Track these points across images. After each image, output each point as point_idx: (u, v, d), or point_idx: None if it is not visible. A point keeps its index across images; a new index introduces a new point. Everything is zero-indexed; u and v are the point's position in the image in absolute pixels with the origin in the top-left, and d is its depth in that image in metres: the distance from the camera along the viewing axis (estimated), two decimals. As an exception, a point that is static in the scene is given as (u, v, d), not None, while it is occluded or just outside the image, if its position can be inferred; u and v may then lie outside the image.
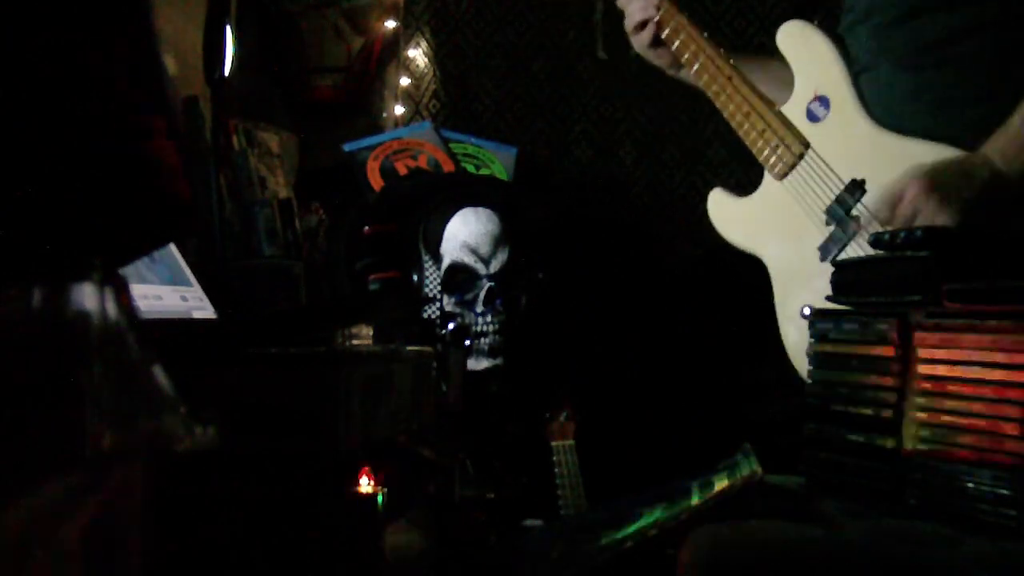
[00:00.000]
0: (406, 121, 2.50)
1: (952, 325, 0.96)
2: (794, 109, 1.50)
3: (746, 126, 1.54)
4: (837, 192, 1.42)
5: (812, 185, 1.46)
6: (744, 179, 2.16)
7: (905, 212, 1.27)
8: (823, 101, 1.47)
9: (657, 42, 1.65)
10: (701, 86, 1.60)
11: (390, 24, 2.56)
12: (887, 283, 1.06)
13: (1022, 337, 0.88)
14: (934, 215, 1.25)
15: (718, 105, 1.58)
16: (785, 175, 1.50)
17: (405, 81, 2.53)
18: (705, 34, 1.60)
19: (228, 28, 1.80)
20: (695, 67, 1.59)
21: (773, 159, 1.51)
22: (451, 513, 1.36)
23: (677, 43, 1.61)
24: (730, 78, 1.56)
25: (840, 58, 1.47)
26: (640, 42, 1.66)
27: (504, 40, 2.52)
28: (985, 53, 1.36)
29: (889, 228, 1.30)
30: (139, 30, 0.55)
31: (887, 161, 1.34)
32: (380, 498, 0.95)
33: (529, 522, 1.78)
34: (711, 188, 1.66)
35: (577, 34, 2.45)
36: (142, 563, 0.54)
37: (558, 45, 2.49)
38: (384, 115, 2.58)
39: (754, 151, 1.54)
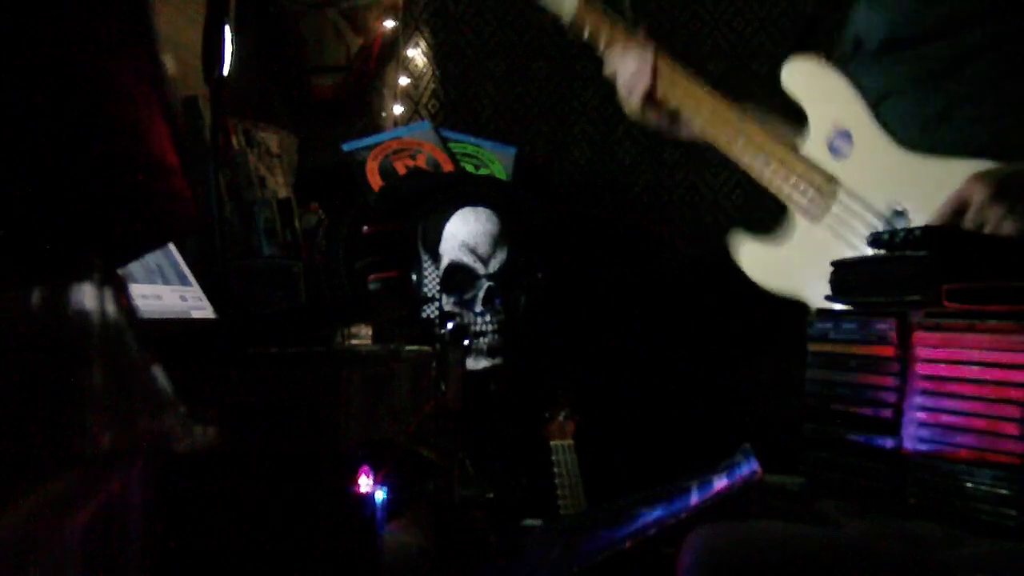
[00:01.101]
0: (405, 121, 2.50)
1: (952, 325, 0.96)
2: (814, 147, 1.47)
3: (767, 174, 1.49)
4: (880, 223, 1.39)
5: (851, 222, 1.42)
6: (744, 179, 2.16)
7: (973, 219, 1.23)
8: (844, 135, 1.44)
9: (651, 102, 1.58)
10: (710, 141, 1.55)
11: (389, 24, 2.56)
12: (887, 283, 1.06)
13: (1021, 337, 0.88)
14: (1000, 222, 1.21)
15: (732, 157, 1.53)
16: (821, 217, 1.46)
17: (404, 81, 2.53)
18: (710, 96, 1.55)
19: (227, 28, 1.80)
20: (699, 122, 1.54)
21: (805, 203, 1.47)
22: (451, 513, 1.36)
23: (675, 102, 1.56)
24: (739, 130, 1.51)
25: (851, 87, 1.44)
26: (633, 104, 1.59)
27: (504, 40, 2.52)
28: (1007, 66, 1.35)
29: None
30: (138, 30, 0.55)
31: (924, 184, 1.32)
32: (379, 498, 0.95)
33: (529, 522, 1.78)
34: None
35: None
36: (142, 563, 0.54)
37: (558, 45, 2.49)
38: (383, 115, 2.58)
39: (782, 199, 1.49)
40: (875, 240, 1.11)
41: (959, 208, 1.25)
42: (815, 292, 1.49)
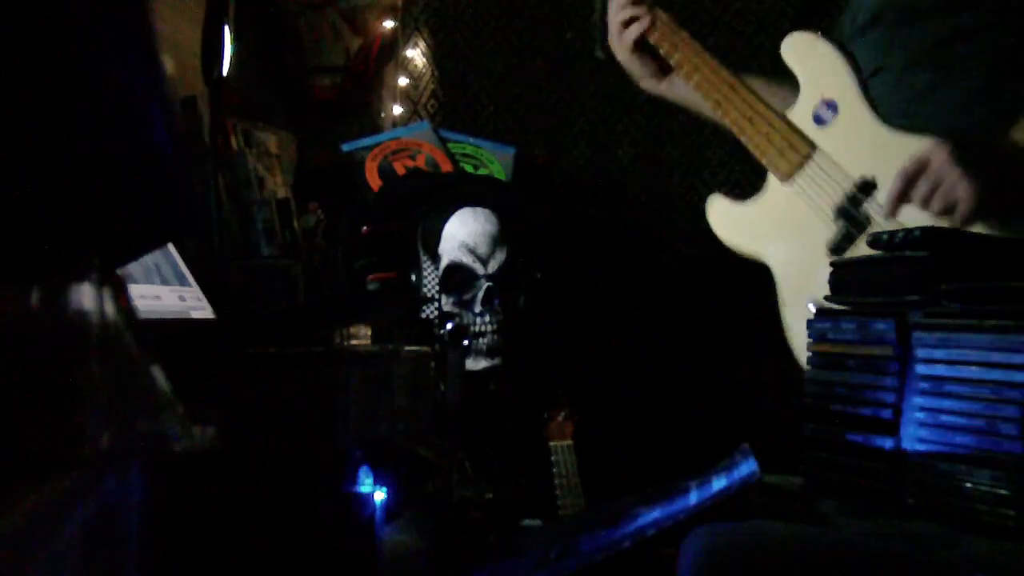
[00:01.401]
0: (404, 121, 2.50)
1: (951, 325, 0.96)
2: (800, 114, 1.50)
3: (749, 130, 1.53)
4: (847, 190, 1.42)
5: (820, 185, 1.45)
6: (744, 180, 2.17)
7: (930, 179, 1.26)
8: (830, 105, 1.47)
9: (642, 47, 1.63)
10: (700, 96, 1.59)
11: (388, 24, 2.56)
12: (885, 283, 1.06)
13: (1020, 337, 0.88)
14: (957, 184, 1.24)
15: (719, 114, 1.57)
16: (791, 176, 1.49)
17: (403, 81, 2.53)
18: (707, 53, 1.59)
19: (226, 28, 1.80)
20: (695, 78, 1.58)
21: (778, 161, 1.50)
22: (450, 513, 1.36)
23: (676, 56, 1.60)
24: (732, 86, 1.55)
25: (847, 62, 1.46)
26: (625, 41, 1.64)
27: (503, 40, 2.52)
28: (994, 50, 1.37)
29: (906, 203, 1.30)
30: (138, 30, 0.55)
31: (899, 159, 1.34)
32: (378, 498, 0.95)
33: (527, 522, 1.78)
34: (710, 188, 1.66)
35: (576, 34, 2.45)
36: (142, 563, 0.53)
37: (557, 45, 2.49)
38: (382, 115, 2.58)
39: (757, 155, 1.53)
40: (874, 240, 1.11)
41: (919, 168, 1.27)
42: (774, 252, 1.53)
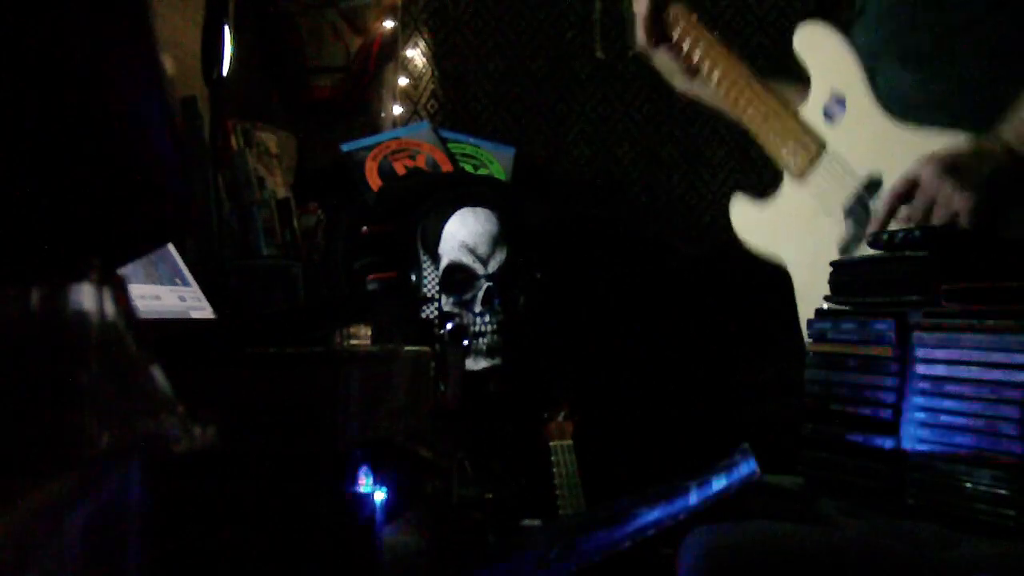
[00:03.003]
0: (404, 121, 2.50)
1: (950, 325, 0.96)
2: (811, 110, 1.50)
3: (764, 128, 1.53)
4: (854, 189, 1.42)
5: (830, 184, 1.45)
6: (743, 179, 2.17)
7: (923, 197, 1.26)
8: (839, 100, 1.47)
9: (663, 39, 1.62)
10: (719, 93, 1.59)
11: (388, 24, 2.56)
12: (885, 283, 1.06)
13: (1020, 337, 0.88)
14: (950, 198, 1.24)
15: (737, 111, 1.57)
16: (803, 174, 1.49)
17: (403, 81, 2.53)
18: (727, 48, 1.59)
19: (226, 28, 1.80)
20: (715, 74, 1.58)
21: (790, 159, 1.50)
22: (449, 513, 1.36)
23: (697, 51, 1.59)
24: (749, 82, 1.55)
25: (854, 56, 1.46)
26: (646, 30, 1.63)
27: (502, 40, 2.52)
28: (990, 42, 1.36)
29: (904, 220, 1.30)
30: (138, 30, 0.55)
31: (904, 154, 1.34)
32: (378, 498, 0.95)
33: (527, 522, 1.78)
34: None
35: (575, 34, 2.45)
36: (142, 563, 0.53)
37: (556, 45, 2.49)
38: (382, 115, 2.58)
39: (771, 152, 1.53)
40: (874, 240, 1.11)
41: (909, 188, 1.27)
42: (789, 253, 1.53)
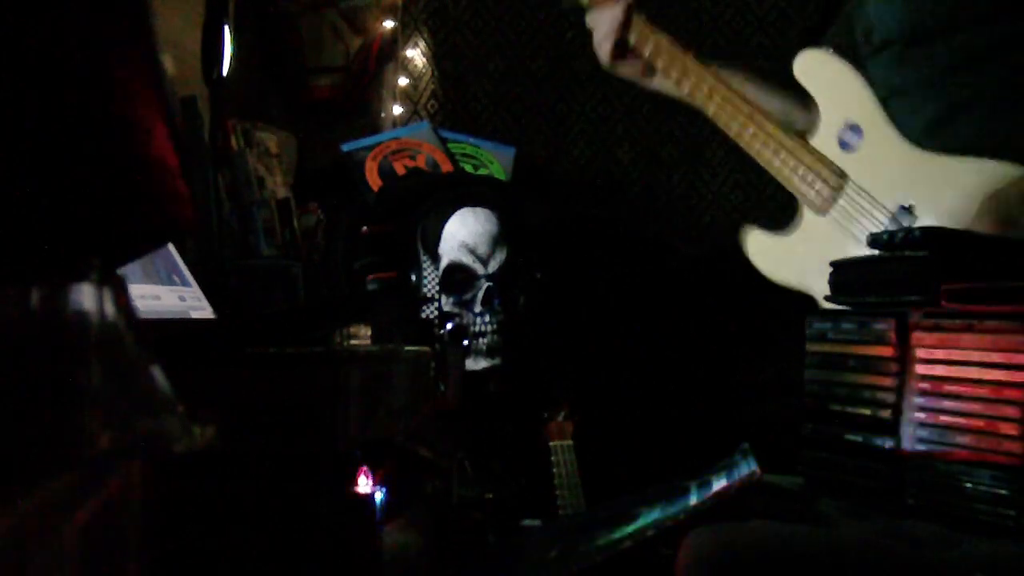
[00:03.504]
0: (404, 121, 2.50)
1: (950, 325, 0.96)
2: (825, 140, 1.48)
3: (775, 164, 1.50)
4: (886, 220, 1.39)
5: (857, 216, 1.43)
6: (743, 179, 2.17)
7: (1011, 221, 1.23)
8: (854, 129, 1.44)
9: (624, 51, 1.61)
10: (719, 124, 1.57)
11: (388, 24, 2.56)
12: (885, 283, 1.06)
13: (1020, 337, 0.88)
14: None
15: (741, 143, 1.54)
16: (827, 210, 1.46)
17: (403, 81, 2.53)
18: (718, 78, 1.56)
19: (226, 28, 1.80)
20: (711, 107, 1.56)
21: (812, 195, 1.47)
22: (449, 513, 1.36)
23: (687, 85, 1.58)
24: (751, 116, 1.52)
25: (866, 84, 1.44)
26: (603, 55, 1.63)
27: (502, 40, 2.52)
28: (1010, 68, 1.35)
29: None
30: (138, 30, 0.55)
31: (932, 182, 1.33)
32: (378, 498, 0.95)
33: (527, 522, 1.78)
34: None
35: (575, 34, 2.45)
36: (141, 563, 0.53)
37: (556, 45, 2.49)
38: (382, 115, 2.58)
39: (790, 188, 1.50)
40: (874, 240, 1.11)
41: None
42: (819, 284, 1.50)
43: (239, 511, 0.84)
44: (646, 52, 1.60)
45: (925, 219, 1.35)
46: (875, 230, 1.40)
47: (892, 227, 1.38)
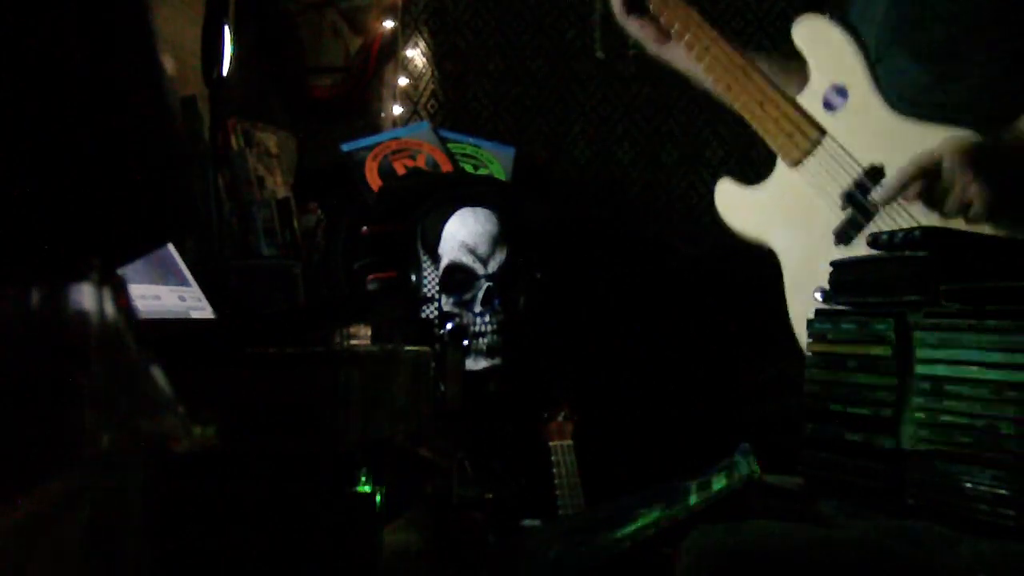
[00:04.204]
0: (404, 121, 2.50)
1: (950, 325, 0.96)
2: (810, 99, 1.50)
3: (759, 114, 1.53)
4: (855, 176, 1.42)
5: (828, 171, 1.46)
6: (742, 179, 2.17)
7: (944, 180, 1.26)
8: (840, 90, 1.47)
9: (642, 10, 1.61)
10: (710, 77, 1.58)
11: (388, 24, 2.56)
12: (885, 283, 1.06)
13: (1020, 337, 0.88)
14: (968, 187, 1.25)
15: (729, 97, 1.56)
16: (799, 162, 1.49)
17: (403, 81, 2.53)
18: (718, 33, 1.58)
19: (226, 28, 1.80)
20: (706, 59, 1.57)
21: (787, 145, 1.50)
22: (449, 513, 1.36)
23: (687, 36, 1.59)
24: (743, 68, 1.55)
25: (857, 47, 1.47)
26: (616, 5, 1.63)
27: (502, 40, 2.52)
28: (1000, 44, 1.37)
29: (905, 197, 1.31)
30: (138, 30, 0.55)
31: (907, 147, 1.35)
32: (378, 498, 0.95)
33: (527, 522, 1.78)
34: (710, 188, 1.66)
35: (575, 34, 2.45)
36: (141, 563, 0.53)
37: (556, 45, 2.49)
38: (382, 115, 2.58)
39: (767, 139, 1.53)
40: (874, 240, 1.11)
41: (930, 167, 1.28)
42: (779, 238, 1.53)
43: (239, 511, 0.84)
44: (676, 29, 1.60)
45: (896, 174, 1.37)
46: (844, 186, 1.43)
47: (860, 183, 1.42)
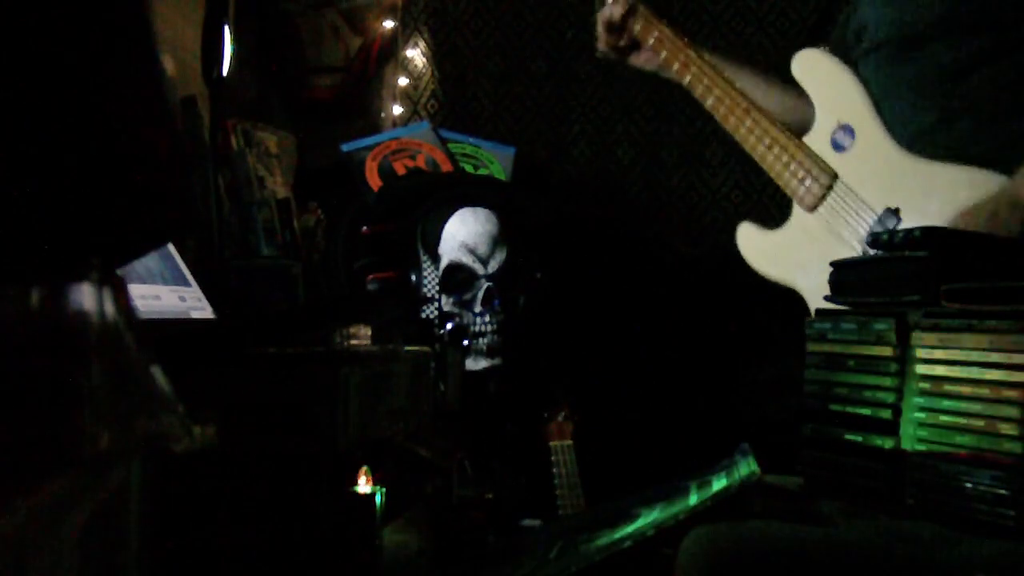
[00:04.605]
0: (404, 121, 2.50)
1: (950, 325, 0.96)
2: (818, 139, 1.49)
3: (768, 158, 1.52)
4: (871, 221, 1.41)
5: (844, 216, 1.44)
6: (743, 179, 2.17)
7: (999, 228, 1.24)
8: (847, 130, 1.46)
9: (629, 49, 1.64)
10: (715, 115, 1.59)
11: (388, 24, 2.56)
12: (885, 283, 1.06)
13: (1020, 337, 0.88)
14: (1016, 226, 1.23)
15: (736, 137, 1.56)
16: (815, 207, 1.48)
17: (403, 81, 2.53)
18: (719, 72, 1.58)
19: (226, 28, 1.80)
20: (710, 100, 1.58)
21: (801, 191, 1.49)
22: (449, 513, 1.36)
23: (688, 76, 1.60)
24: (748, 110, 1.54)
25: (861, 86, 1.46)
26: (605, 42, 1.66)
27: (502, 40, 2.52)
28: (1000, 78, 1.35)
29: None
30: (138, 30, 0.55)
31: (919, 187, 1.34)
32: (378, 498, 0.95)
33: (527, 522, 1.78)
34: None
35: (575, 34, 2.45)
36: (141, 563, 0.53)
37: (556, 45, 2.49)
38: (382, 115, 2.58)
39: (780, 184, 1.52)
40: (874, 240, 1.11)
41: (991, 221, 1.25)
42: (804, 280, 1.52)
43: (239, 511, 0.84)
44: (649, 41, 1.62)
45: (910, 223, 1.36)
46: (859, 230, 1.42)
47: (877, 228, 1.40)
